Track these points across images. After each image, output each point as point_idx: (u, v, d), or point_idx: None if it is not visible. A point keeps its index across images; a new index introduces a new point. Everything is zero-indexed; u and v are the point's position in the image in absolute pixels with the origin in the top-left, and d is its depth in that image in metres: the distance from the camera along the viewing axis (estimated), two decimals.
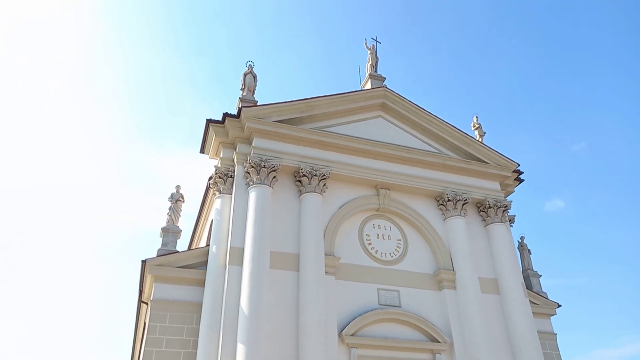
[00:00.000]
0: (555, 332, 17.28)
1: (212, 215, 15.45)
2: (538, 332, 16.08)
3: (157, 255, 13.98)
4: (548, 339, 16.84)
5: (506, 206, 17.66)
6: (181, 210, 15.48)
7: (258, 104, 16.31)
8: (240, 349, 12.02)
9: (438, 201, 17.25)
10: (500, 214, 17.42)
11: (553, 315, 17.51)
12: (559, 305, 17.51)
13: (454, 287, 15.73)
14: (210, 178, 15.86)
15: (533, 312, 16.23)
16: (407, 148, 17.33)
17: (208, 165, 19.34)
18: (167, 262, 13.73)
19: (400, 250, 16.20)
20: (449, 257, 16.26)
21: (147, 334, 12.89)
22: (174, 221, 15.30)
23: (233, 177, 15.37)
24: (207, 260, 14.17)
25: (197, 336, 13.03)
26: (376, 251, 15.80)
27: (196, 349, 12.83)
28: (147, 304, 14.30)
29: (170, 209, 15.47)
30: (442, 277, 15.81)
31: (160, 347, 12.70)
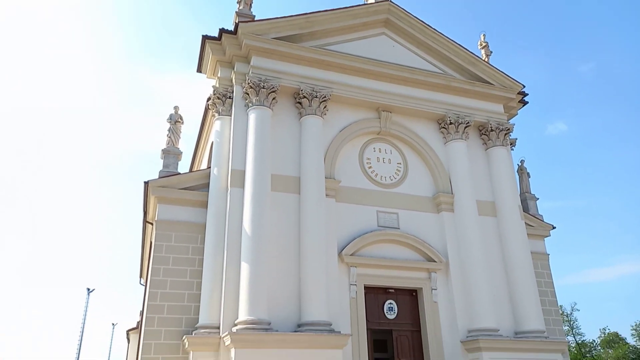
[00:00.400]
0: (548, 252, 17.82)
1: (212, 138, 15.24)
2: (531, 252, 16.50)
3: (159, 177, 13.94)
4: (540, 259, 17.41)
5: (508, 129, 17.47)
6: (180, 132, 15.25)
7: (256, 19, 15.41)
8: (245, 267, 12.35)
9: (440, 124, 17.00)
10: (502, 138, 17.26)
11: (547, 236, 17.98)
12: (554, 227, 17.92)
13: (452, 210, 15.94)
14: (209, 99, 15.44)
15: (528, 234, 16.55)
16: (411, 68, 16.74)
17: (207, 86, 18.80)
18: (169, 184, 13.74)
19: (400, 174, 16.22)
20: (448, 180, 16.31)
21: (153, 252, 13.21)
22: (174, 143, 15.11)
23: (232, 98, 14.94)
24: (208, 182, 14.15)
25: (202, 255, 13.32)
26: (376, 174, 15.82)
27: (202, 267, 13.15)
28: (152, 224, 14.47)
29: (169, 130, 15.23)
30: (441, 200, 15.94)
31: (167, 265, 13.02)
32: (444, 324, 14.63)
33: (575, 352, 52.56)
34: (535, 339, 14.34)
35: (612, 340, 51.48)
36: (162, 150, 14.90)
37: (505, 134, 17.38)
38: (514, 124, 17.79)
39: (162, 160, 14.81)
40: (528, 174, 19.08)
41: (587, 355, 52.69)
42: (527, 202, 18.67)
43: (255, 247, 12.45)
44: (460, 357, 14.20)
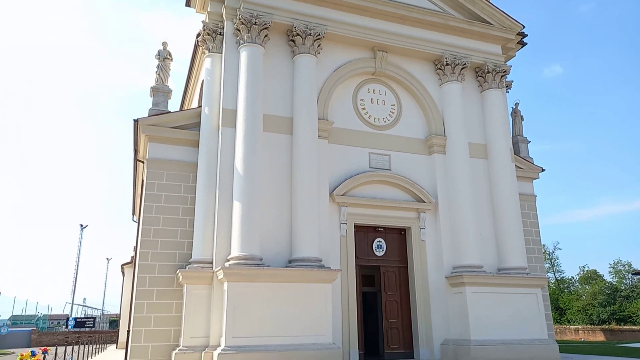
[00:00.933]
0: (536, 194, 18.01)
1: (203, 76, 14.80)
2: (520, 194, 16.71)
3: (149, 115, 13.70)
4: (527, 201, 17.62)
5: (505, 71, 17.10)
6: (170, 69, 14.81)
7: None
8: (237, 205, 12.38)
9: (436, 65, 16.58)
10: (498, 80, 16.91)
11: (536, 179, 18.11)
12: (543, 170, 17.98)
13: (444, 152, 15.91)
14: (199, 35, 14.87)
15: (517, 176, 16.65)
16: (408, 6, 16.07)
17: (197, 22, 17.77)
18: (160, 123, 13.49)
19: (394, 116, 16.02)
20: (441, 122, 16.16)
21: (145, 190, 13.20)
22: (163, 80, 14.70)
23: (222, 35, 14.41)
24: (199, 121, 13.93)
25: (195, 193, 13.35)
26: (369, 116, 15.60)
27: (194, 205, 13.22)
28: (143, 162, 14.38)
29: (158, 67, 14.77)
30: (433, 142, 15.87)
31: (159, 203, 13.06)
32: (430, 261, 15.03)
33: (554, 287, 54.76)
34: (516, 275, 14.74)
35: (590, 277, 53.55)
36: (151, 87, 14.53)
37: (502, 76, 17.02)
38: (511, 66, 17.41)
39: (151, 99, 14.48)
40: (522, 116, 18.99)
41: (565, 290, 54.96)
42: (518, 144, 18.66)
43: (247, 187, 12.44)
44: (445, 291, 14.72)
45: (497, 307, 14.14)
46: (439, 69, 16.58)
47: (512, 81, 18.47)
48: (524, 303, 14.49)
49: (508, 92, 18.23)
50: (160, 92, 14.57)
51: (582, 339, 37.64)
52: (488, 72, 16.94)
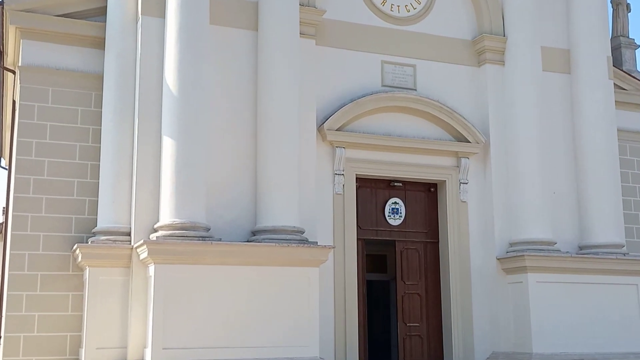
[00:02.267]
0: None
1: None
2: (619, 130, 16.62)
3: None
4: (631, 140, 17.62)
5: None
6: None
7: None
8: (169, 144, 12.22)
9: None
10: None
11: None
12: None
13: (502, 62, 15.77)
14: None
15: (617, 102, 16.49)
16: None
17: None
18: (40, 8, 13.09)
19: (423, 2, 15.81)
20: (499, 15, 15.97)
21: (19, 118, 13.11)
22: None
23: None
24: (105, 7, 13.59)
25: (99, 124, 13.24)
26: (383, 2, 15.40)
27: (99, 143, 13.12)
28: (13, 72, 14.26)
29: None
30: (485, 44, 15.66)
31: (43, 138, 12.91)
32: (473, 233, 15.16)
33: None
34: (608, 257, 14.73)
35: None
36: None
37: None
38: None
39: None
40: (628, 5, 18.82)
41: None
42: (620, 51, 18.47)
43: (185, 114, 12.24)
44: (494, 280, 14.94)
45: (574, 304, 14.30)
46: None
47: None
48: (618, 299, 14.59)
49: None
50: None
51: None
52: None
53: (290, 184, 12.98)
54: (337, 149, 14.33)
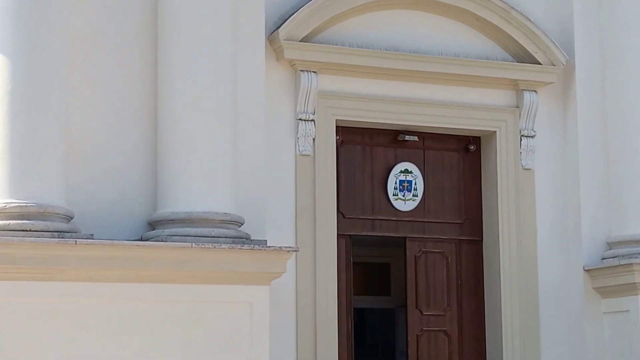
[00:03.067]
0: None
1: None
2: None
3: None
4: None
5: None
6: None
7: None
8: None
9: None
10: None
11: None
12: None
13: None
14: None
15: None
16: None
17: None
18: None
19: None
20: None
21: None
22: None
23: None
24: None
25: None
26: None
27: None
28: None
29: None
30: None
31: None
32: (544, 224, 13.44)
33: None
34: None
35: None
36: None
37: None
38: None
39: None
40: None
41: None
42: None
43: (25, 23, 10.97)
44: (580, 306, 13.42)
45: None
46: None
47: None
48: None
49: None
50: None
51: None
52: None
53: (216, 139, 11.33)
54: (303, 75, 12.39)
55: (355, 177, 13.06)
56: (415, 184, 13.23)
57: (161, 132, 11.32)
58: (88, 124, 11.25)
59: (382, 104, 12.81)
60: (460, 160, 13.67)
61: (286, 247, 11.14)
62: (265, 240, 11.04)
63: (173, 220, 10.72)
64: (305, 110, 12.31)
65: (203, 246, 10.41)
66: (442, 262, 13.47)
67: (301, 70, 12.22)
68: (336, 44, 12.50)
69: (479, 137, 13.57)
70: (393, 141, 13.23)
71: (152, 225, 10.99)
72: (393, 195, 13.13)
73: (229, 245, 10.54)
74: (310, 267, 12.19)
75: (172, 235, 10.54)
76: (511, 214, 13.30)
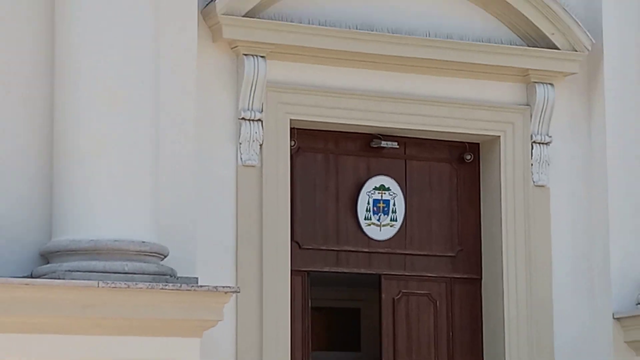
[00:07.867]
0: None
1: None
2: None
3: None
4: None
5: None
6: None
7: None
8: None
9: None
10: None
11: None
12: None
13: None
14: None
15: None
16: None
17: None
18: None
19: None
20: None
21: None
22: None
23: None
24: None
25: None
26: None
27: None
28: None
29: None
30: None
31: None
32: (561, 258, 12.63)
33: None
34: None
35: None
36: None
37: None
38: None
39: None
40: None
41: None
42: None
43: None
44: (608, 358, 12.93)
45: None
46: None
47: None
48: None
49: None
50: None
51: None
52: None
53: (131, 145, 10.25)
54: (247, 60, 11.51)
55: (315, 195, 12.06)
56: (393, 204, 12.29)
57: (59, 135, 10.14)
58: None
59: (351, 100, 11.73)
60: (453, 173, 12.75)
61: (223, 286, 9.95)
62: (196, 278, 10.08)
63: (74, 250, 9.54)
64: (250, 107, 11.29)
65: (113, 285, 9.20)
66: (428, 308, 12.56)
67: (245, 55, 11.23)
68: (292, 21, 11.56)
69: (478, 144, 12.64)
70: (365, 148, 12.32)
71: (46, 257, 9.87)
72: (365, 219, 12.23)
73: (147, 284, 9.32)
74: (256, 314, 11.21)
75: (73, 271, 9.31)
76: (519, 245, 12.34)
